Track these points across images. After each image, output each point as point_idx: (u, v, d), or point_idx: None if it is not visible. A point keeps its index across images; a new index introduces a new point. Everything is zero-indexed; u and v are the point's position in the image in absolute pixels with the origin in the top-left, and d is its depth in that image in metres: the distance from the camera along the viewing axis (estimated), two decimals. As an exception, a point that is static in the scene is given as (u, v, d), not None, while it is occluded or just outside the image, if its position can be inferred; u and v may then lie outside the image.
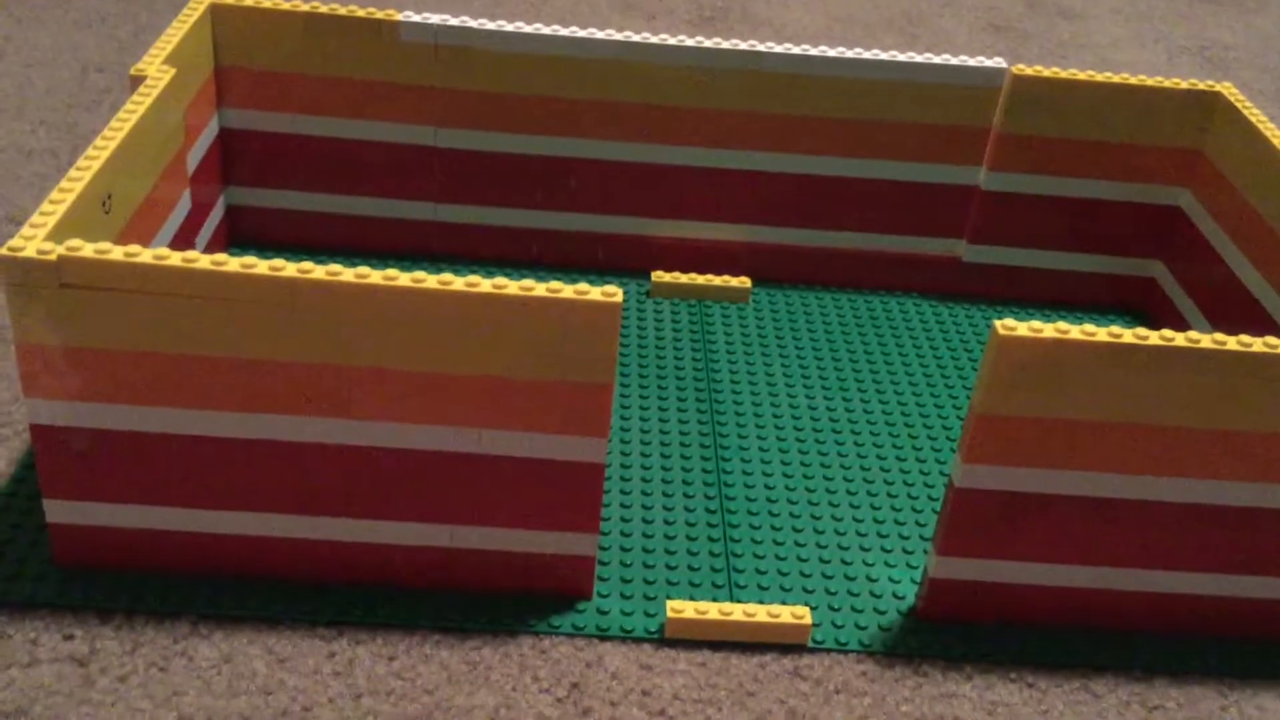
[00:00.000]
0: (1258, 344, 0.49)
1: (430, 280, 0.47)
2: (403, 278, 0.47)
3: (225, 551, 0.53)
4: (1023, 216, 0.78)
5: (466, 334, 0.48)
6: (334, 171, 0.76)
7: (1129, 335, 0.49)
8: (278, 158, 0.75)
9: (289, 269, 0.47)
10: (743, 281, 0.78)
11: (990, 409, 0.50)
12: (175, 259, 0.47)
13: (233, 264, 0.47)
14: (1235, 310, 0.71)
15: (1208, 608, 0.56)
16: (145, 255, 0.47)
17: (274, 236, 0.77)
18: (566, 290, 0.48)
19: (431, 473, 0.51)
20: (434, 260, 0.78)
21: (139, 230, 0.58)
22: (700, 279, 0.78)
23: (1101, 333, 0.49)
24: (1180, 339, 0.49)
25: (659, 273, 0.78)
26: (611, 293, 0.48)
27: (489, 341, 0.48)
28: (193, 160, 0.68)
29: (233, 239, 0.77)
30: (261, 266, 0.47)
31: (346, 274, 0.47)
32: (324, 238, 0.78)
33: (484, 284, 0.48)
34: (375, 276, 0.47)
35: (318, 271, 0.47)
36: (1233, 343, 0.49)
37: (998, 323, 0.49)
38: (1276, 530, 0.54)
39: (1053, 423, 0.51)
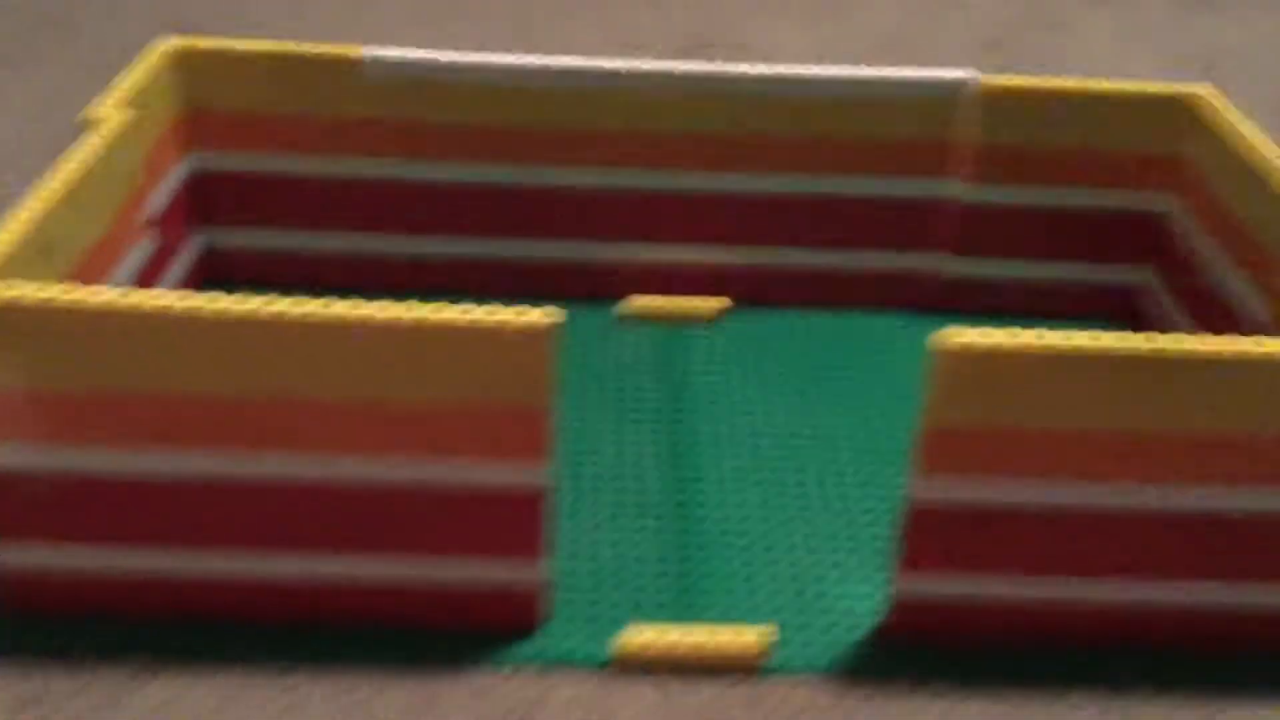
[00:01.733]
0: (1211, 345, 0.48)
1: (360, 309, 0.47)
2: (339, 305, 0.47)
3: (171, 591, 0.53)
4: (1004, 228, 0.77)
5: (400, 362, 0.48)
6: (307, 209, 0.76)
7: (1077, 339, 0.48)
8: (250, 198, 0.76)
9: (213, 304, 0.46)
10: (718, 303, 0.77)
11: (938, 421, 0.49)
12: (103, 297, 0.47)
13: (156, 300, 0.46)
14: (1222, 316, 0.69)
15: (1186, 618, 0.54)
16: (76, 294, 0.47)
17: (250, 276, 0.78)
18: (501, 313, 0.47)
19: (373, 505, 0.51)
20: (411, 294, 0.78)
21: (90, 273, 0.58)
22: (675, 302, 0.77)
23: (1047, 337, 0.48)
24: (1129, 342, 0.48)
25: (631, 297, 0.77)
26: (549, 313, 0.47)
27: (423, 369, 0.48)
28: (157, 202, 0.69)
29: (207, 280, 0.77)
30: (187, 301, 0.46)
31: (270, 307, 0.47)
32: (301, 275, 0.78)
33: (415, 310, 0.47)
34: (301, 308, 0.47)
35: (241, 305, 0.47)
36: (1187, 344, 0.48)
37: (938, 332, 0.48)
38: (1253, 535, 0.52)
39: (1004, 432, 0.49)
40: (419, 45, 1.17)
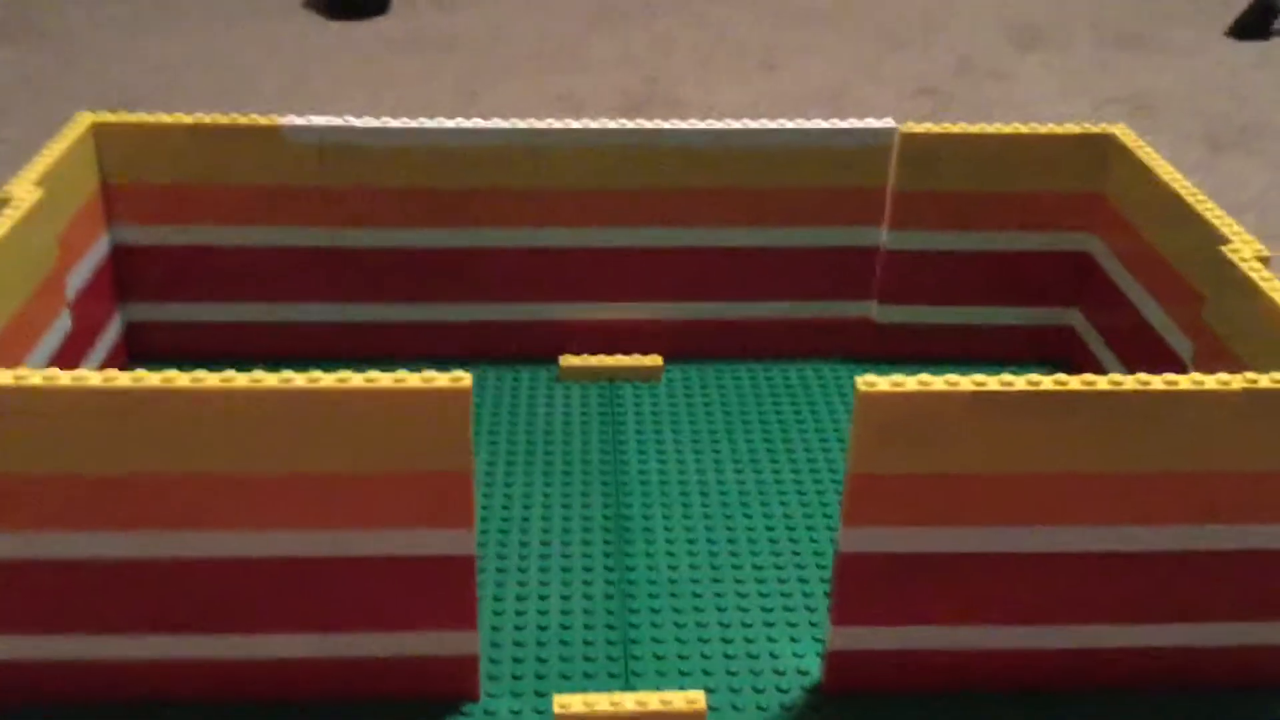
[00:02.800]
0: (1129, 383, 0.48)
1: (270, 379, 0.46)
2: (240, 378, 0.46)
3: (96, 677, 0.51)
4: (931, 273, 0.78)
5: (315, 432, 0.47)
6: (233, 280, 0.75)
7: (993, 383, 0.48)
8: (175, 271, 0.75)
9: (120, 379, 0.46)
10: (654, 360, 0.77)
11: (863, 468, 0.49)
12: (12, 377, 0.46)
13: (63, 378, 0.46)
14: (1148, 353, 0.70)
15: (1126, 660, 0.54)
16: (-23, 375, 0.46)
17: (178, 350, 0.77)
18: (413, 379, 0.47)
19: (295, 580, 0.50)
20: (344, 363, 0.77)
21: (5, 353, 0.57)
22: (610, 360, 0.77)
23: (965, 382, 0.48)
24: (1046, 383, 0.48)
25: (567, 356, 0.77)
26: (459, 378, 0.47)
27: (338, 438, 0.47)
28: (76, 280, 0.68)
29: (134, 356, 0.76)
30: (93, 378, 0.46)
31: (182, 379, 0.46)
32: (229, 347, 0.77)
33: (326, 379, 0.46)
34: (212, 380, 0.46)
35: (151, 379, 0.46)
36: (1101, 383, 0.48)
37: (859, 379, 0.48)
38: (1187, 573, 0.52)
39: (930, 478, 0.49)
40: (357, 112, 1.18)
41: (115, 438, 0.46)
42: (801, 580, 0.61)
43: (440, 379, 0.47)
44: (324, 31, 1.45)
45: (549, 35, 1.45)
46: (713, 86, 1.29)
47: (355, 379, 0.46)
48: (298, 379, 0.46)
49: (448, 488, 0.48)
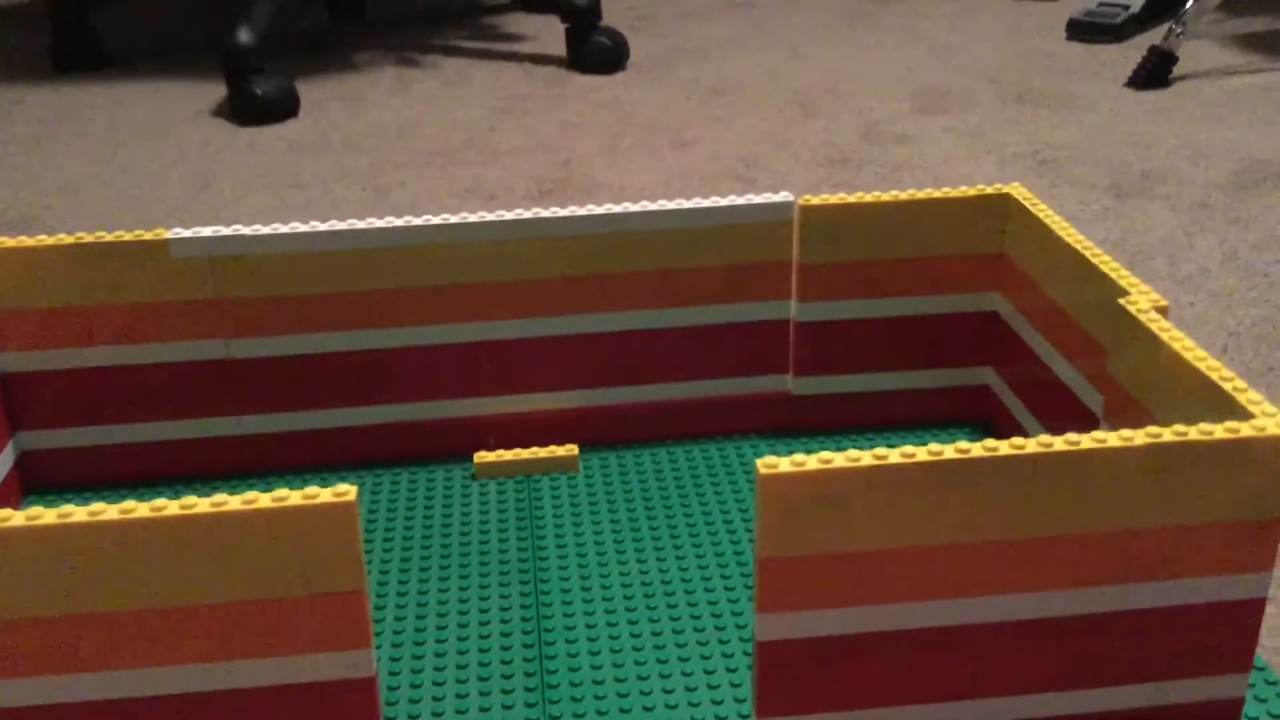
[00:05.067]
0: (1030, 446, 0.47)
1: (142, 508, 0.44)
2: (110, 510, 0.44)
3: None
4: (844, 343, 0.77)
5: (196, 560, 0.45)
6: (129, 400, 0.73)
7: (894, 455, 0.47)
8: (68, 396, 0.72)
9: (-19, 520, 0.43)
10: (570, 450, 0.75)
11: (772, 552, 0.47)
12: None
13: (-82, 524, 0.43)
14: (1060, 407, 0.69)
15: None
16: None
17: (76, 477, 0.74)
18: (294, 496, 0.45)
19: (186, 718, 0.47)
20: (247, 475, 0.75)
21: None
22: (525, 453, 0.75)
23: (866, 456, 0.47)
24: (948, 452, 0.47)
25: (482, 453, 0.75)
26: (343, 492, 0.45)
27: (221, 564, 0.45)
28: (-43, 412, 0.65)
29: (28, 487, 0.73)
30: (-49, 522, 0.43)
31: (48, 515, 0.43)
32: (130, 470, 0.74)
33: (202, 504, 0.44)
34: (80, 513, 0.44)
35: (16, 518, 0.43)
36: (1004, 448, 0.47)
37: (759, 461, 0.47)
38: (1112, 635, 0.51)
39: (841, 557, 0.48)
40: (264, 215, 1.16)
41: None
42: (729, 669, 0.59)
43: (324, 494, 0.45)
44: (232, 138, 1.43)
45: (458, 127, 1.45)
46: (625, 167, 1.30)
47: (233, 501, 0.44)
48: (171, 506, 0.44)
49: (343, 607, 0.46)
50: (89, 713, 0.47)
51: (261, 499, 0.44)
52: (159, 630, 0.46)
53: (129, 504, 0.44)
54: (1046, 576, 0.49)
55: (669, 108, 1.51)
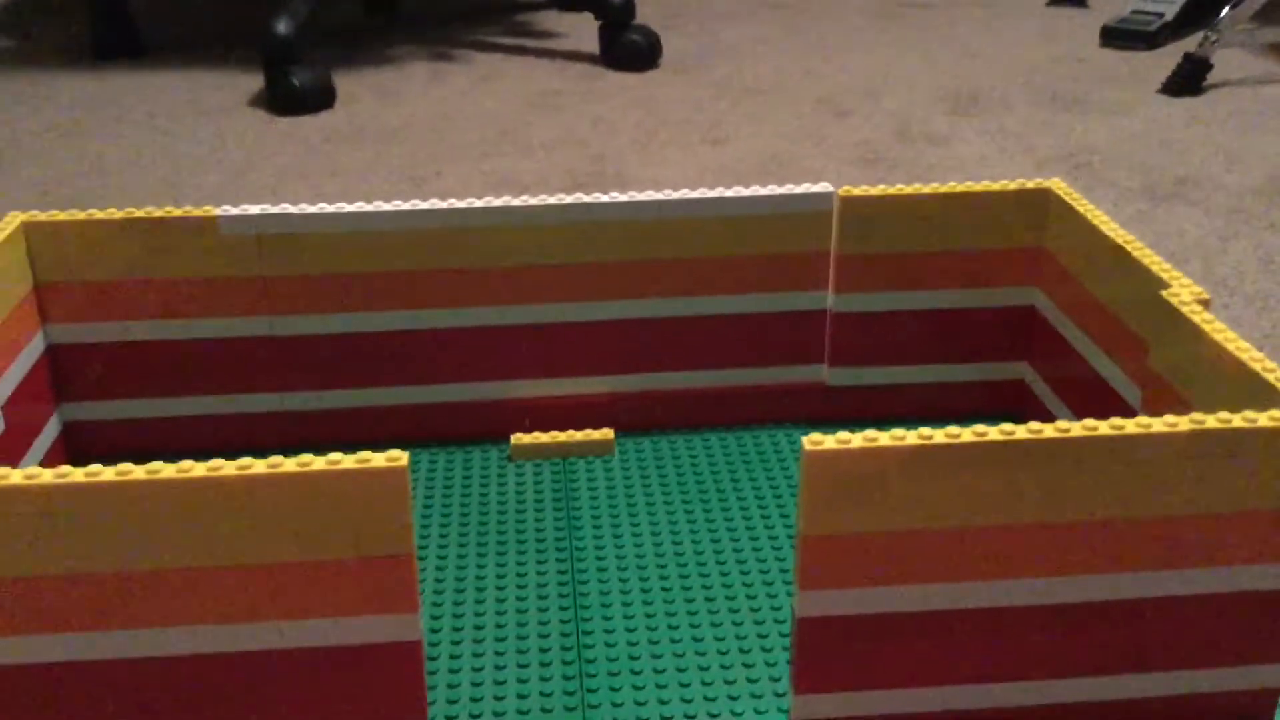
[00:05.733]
0: (1075, 429, 0.48)
1: (198, 468, 0.45)
2: (167, 469, 0.45)
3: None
4: (880, 334, 0.77)
5: (250, 520, 0.46)
6: (173, 375, 0.74)
7: (939, 435, 0.47)
8: (113, 368, 0.73)
9: (44, 475, 0.44)
10: (605, 434, 0.76)
11: (814, 529, 0.48)
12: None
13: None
14: (1098, 402, 0.70)
15: (1098, 714, 0.53)
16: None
17: (119, 448, 0.75)
18: (347, 460, 0.46)
19: (237, 676, 0.48)
20: (287, 452, 0.76)
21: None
22: (561, 436, 0.76)
23: (911, 436, 0.47)
24: (993, 433, 0.47)
25: (518, 435, 0.76)
26: (395, 457, 0.46)
27: (275, 525, 0.46)
28: (8, 382, 0.66)
29: (73, 456, 0.74)
30: (14, 476, 0.44)
31: (106, 472, 0.44)
32: (172, 443, 0.75)
33: (259, 465, 0.45)
34: (138, 472, 0.45)
35: (76, 474, 0.44)
36: (1048, 431, 0.47)
37: (805, 439, 0.47)
38: (1153, 621, 0.51)
39: (883, 536, 0.48)
40: (300, 202, 1.17)
41: (39, 537, 0.45)
42: (764, 649, 0.59)
43: (376, 459, 0.45)
44: (269, 127, 1.45)
45: (492, 121, 1.46)
46: (658, 163, 1.30)
47: (288, 464, 0.45)
48: (228, 467, 0.45)
49: (391, 571, 0.47)
50: (140, 669, 0.47)
51: (316, 462, 0.45)
52: (211, 588, 0.46)
53: (186, 463, 0.45)
54: (1086, 561, 0.49)
55: (701, 105, 1.52)
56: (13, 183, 1.26)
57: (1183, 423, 0.48)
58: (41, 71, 1.71)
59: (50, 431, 0.72)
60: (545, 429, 0.77)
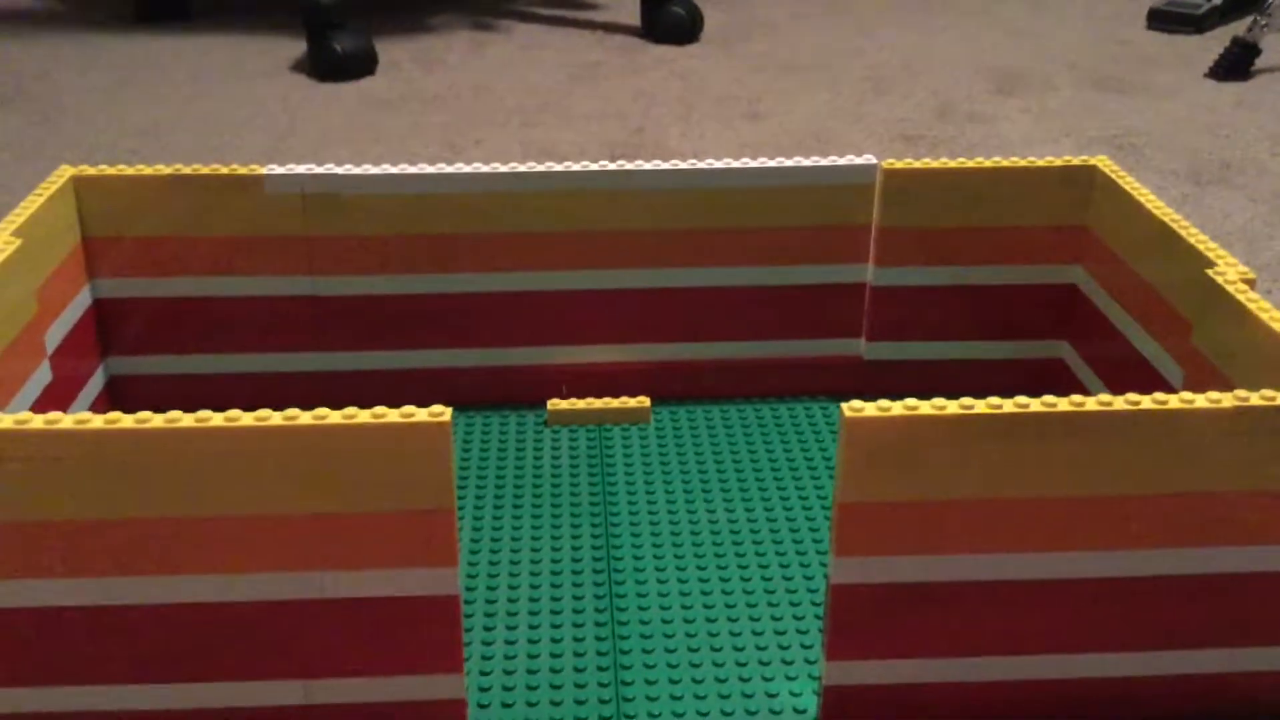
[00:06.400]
0: (1118, 403, 0.47)
1: (246, 418, 0.45)
2: (215, 418, 0.45)
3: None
4: (918, 309, 0.77)
5: (294, 470, 0.46)
6: (216, 331, 0.75)
7: (980, 406, 0.47)
8: (157, 323, 0.74)
9: (95, 420, 0.45)
10: (641, 402, 0.76)
11: (852, 497, 0.48)
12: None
13: (35, 420, 0.45)
14: (1138, 381, 0.69)
15: (1131, 690, 0.53)
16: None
17: (163, 402, 0.76)
18: (392, 414, 0.46)
19: (277, 625, 0.49)
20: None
21: (-19, 403, 0.57)
22: (598, 403, 0.76)
23: (952, 406, 0.47)
24: (1034, 405, 0.47)
25: (555, 400, 0.76)
26: (438, 412, 0.46)
27: (319, 476, 0.46)
28: (56, 333, 0.67)
29: (117, 408, 0.75)
30: (65, 420, 0.45)
31: (156, 419, 0.45)
32: (213, 399, 0.76)
33: (304, 416, 0.46)
34: (187, 419, 0.45)
35: (125, 420, 0.45)
36: (1090, 404, 0.47)
37: (844, 405, 0.47)
38: (1184, 598, 0.51)
39: (919, 504, 0.48)
40: (342, 165, 1.18)
41: (87, 482, 0.46)
42: (796, 617, 0.60)
43: (420, 414, 0.46)
44: (310, 92, 1.45)
45: (532, 91, 1.46)
46: (698, 136, 1.30)
47: (333, 416, 0.46)
48: (275, 417, 0.45)
49: (431, 525, 0.47)
50: (184, 614, 0.48)
51: (361, 414, 0.46)
52: (255, 537, 0.47)
53: (234, 412, 0.46)
54: (1124, 535, 0.49)
55: (741, 80, 1.51)
56: (58, 142, 1.27)
57: (1226, 399, 0.48)
58: (88, 34, 1.72)
59: (95, 384, 0.73)
60: (582, 395, 0.78)
